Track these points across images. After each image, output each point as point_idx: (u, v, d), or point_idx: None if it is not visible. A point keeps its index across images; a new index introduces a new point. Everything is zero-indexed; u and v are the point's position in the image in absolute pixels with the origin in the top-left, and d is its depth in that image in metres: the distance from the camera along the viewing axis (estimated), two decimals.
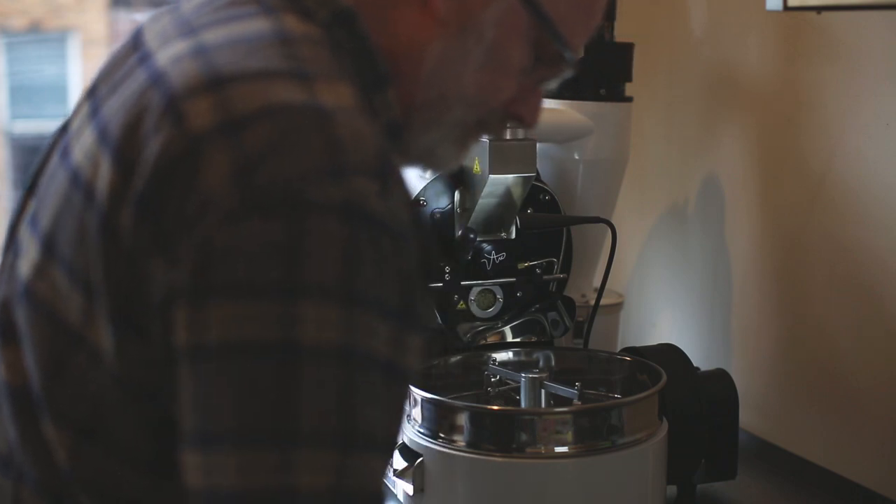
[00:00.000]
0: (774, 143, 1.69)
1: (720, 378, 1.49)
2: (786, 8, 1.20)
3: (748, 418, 1.63)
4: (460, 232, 1.47)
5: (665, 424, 1.36)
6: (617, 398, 1.45)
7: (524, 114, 0.91)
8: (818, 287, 1.61)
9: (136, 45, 0.84)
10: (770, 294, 1.71)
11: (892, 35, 1.46)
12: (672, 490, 1.46)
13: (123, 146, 0.74)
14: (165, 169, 0.71)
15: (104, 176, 0.74)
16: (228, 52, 0.75)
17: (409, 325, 0.73)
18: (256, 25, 0.77)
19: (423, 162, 0.93)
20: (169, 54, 0.77)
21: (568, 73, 0.90)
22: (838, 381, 1.58)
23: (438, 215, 1.49)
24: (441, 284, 1.49)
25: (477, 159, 1.45)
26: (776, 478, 1.63)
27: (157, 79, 0.76)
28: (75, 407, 0.75)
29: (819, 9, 1.25)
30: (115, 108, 0.78)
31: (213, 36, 0.77)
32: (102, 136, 0.77)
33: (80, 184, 0.77)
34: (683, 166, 1.91)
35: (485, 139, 1.43)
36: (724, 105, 1.80)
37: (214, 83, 0.73)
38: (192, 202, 0.69)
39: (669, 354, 1.48)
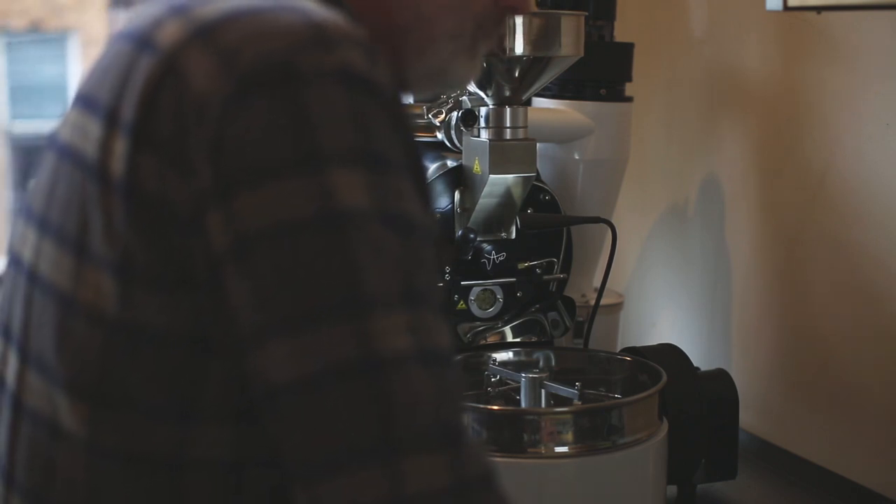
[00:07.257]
0: (774, 143, 1.69)
1: (720, 378, 1.48)
2: (786, 8, 1.20)
3: (748, 418, 1.63)
4: (460, 232, 1.47)
5: (665, 424, 1.36)
6: (617, 398, 1.45)
7: (516, 2, 0.89)
8: (818, 287, 1.61)
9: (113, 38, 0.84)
10: (770, 294, 1.71)
11: (892, 35, 1.46)
12: (672, 490, 1.46)
13: (110, 101, 0.73)
14: (152, 93, 0.70)
15: (92, 134, 0.73)
16: None
17: (423, 181, 0.73)
18: None
19: (437, 82, 0.92)
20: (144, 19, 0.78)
21: None
22: (838, 381, 1.58)
23: (438, 215, 1.49)
24: (442, 284, 1.49)
25: (477, 159, 1.45)
26: (776, 478, 1.63)
27: (135, 38, 0.76)
28: (84, 376, 0.73)
29: (819, 9, 1.25)
30: (96, 78, 0.77)
31: None
32: (87, 104, 0.76)
33: (69, 154, 0.76)
34: (683, 166, 1.91)
35: (485, 138, 1.43)
36: (724, 105, 1.80)
37: (178, 11, 0.73)
38: (189, 109, 0.69)
39: (669, 354, 1.48)
